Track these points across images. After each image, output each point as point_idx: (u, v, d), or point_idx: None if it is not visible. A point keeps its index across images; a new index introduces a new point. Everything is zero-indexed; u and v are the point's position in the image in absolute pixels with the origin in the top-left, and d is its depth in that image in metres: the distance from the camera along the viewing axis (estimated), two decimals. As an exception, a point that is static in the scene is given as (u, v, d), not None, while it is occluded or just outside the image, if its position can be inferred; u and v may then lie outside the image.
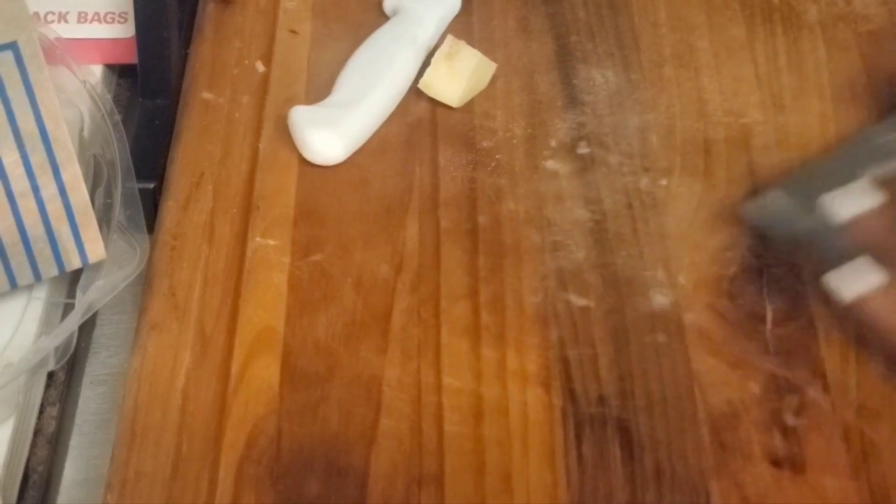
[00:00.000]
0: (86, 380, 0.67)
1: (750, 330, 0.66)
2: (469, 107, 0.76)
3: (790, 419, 0.62)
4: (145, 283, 0.66)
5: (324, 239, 0.69)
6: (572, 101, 0.77)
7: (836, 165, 0.70)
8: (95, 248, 0.65)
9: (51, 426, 0.63)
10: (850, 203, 0.67)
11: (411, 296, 0.67)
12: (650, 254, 0.69)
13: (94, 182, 0.68)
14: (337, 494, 0.59)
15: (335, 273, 0.68)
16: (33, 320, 0.63)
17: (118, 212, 0.66)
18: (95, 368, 0.67)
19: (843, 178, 0.68)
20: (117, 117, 0.69)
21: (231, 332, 0.65)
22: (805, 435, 0.62)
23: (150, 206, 0.70)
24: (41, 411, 0.63)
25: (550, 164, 0.73)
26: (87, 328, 0.67)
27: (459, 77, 0.74)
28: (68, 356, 0.63)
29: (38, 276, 0.64)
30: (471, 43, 0.79)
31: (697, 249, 0.69)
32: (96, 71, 0.74)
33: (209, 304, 0.66)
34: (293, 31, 0.80)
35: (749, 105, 0.77)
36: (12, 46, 0.61)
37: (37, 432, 0.63)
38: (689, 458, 0.60)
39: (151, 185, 0.70)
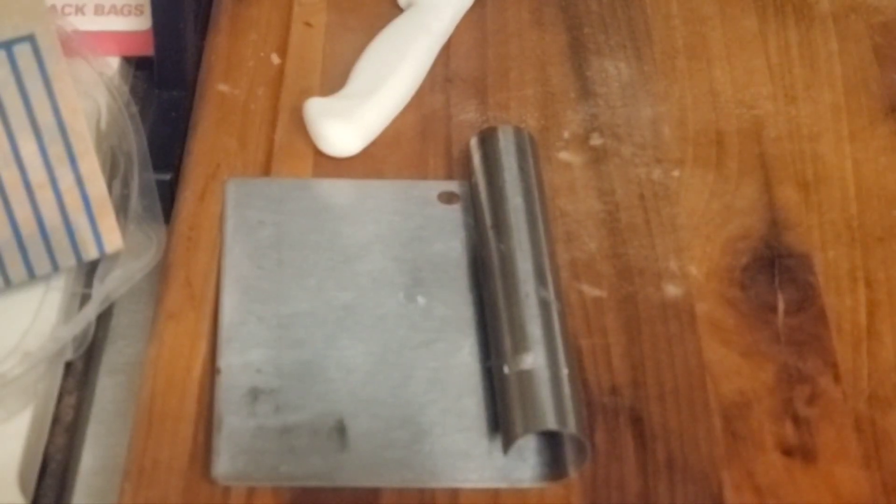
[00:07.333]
0: (103, 369, 0.67)
1: (762, 320, 0.66)
2: (483, 98, 0.76)
3: (802, 409, 0.63)
4: (162, 273, 0.66)
5: (338, 230, 0.70)
6: (585, 92, 0.77)
7: None
8: (113, 239, 0.65)
9: (69, 415, 0.63)
10: None
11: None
12: (662, 244, 0.69)
13: (111, 173, 0.68)
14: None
15: (350, 264, 0.68)
16: (51, 310, 0.64)
17: (135, 203, 0.66)
18: (113, 358, 0.68)
19: None
20: (134, 109, 0.69)
21: (247, 321, 0.65)
22: (817, 424, 0.62)
23: (167, 197, 0.70)
24: (59, 400, 0.63)
25: (563, 155, 0.74)
26: (104, 318, 0.67)
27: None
28: (86, 346, 0.63)
29: (55, 267, 0.64)
30: (483, 35, 0.80)
31: (709, 240, 0.69)
32: (113, 63, 0.74)
33: (225, 294, 0.66)
34: (308, 24, 0.80)
35: (761, 96, 0.77)
36: (30, 39, 0.62)
37: (55, 421, 0.63)
38: (701, 448, 0.61)
39: (168, 177, 0.71)
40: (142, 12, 0.75)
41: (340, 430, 0.60)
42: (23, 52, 0.62)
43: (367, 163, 0.72)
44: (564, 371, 0.60)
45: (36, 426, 0.60)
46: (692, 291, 0.67)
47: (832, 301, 0.67)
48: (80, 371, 0.65)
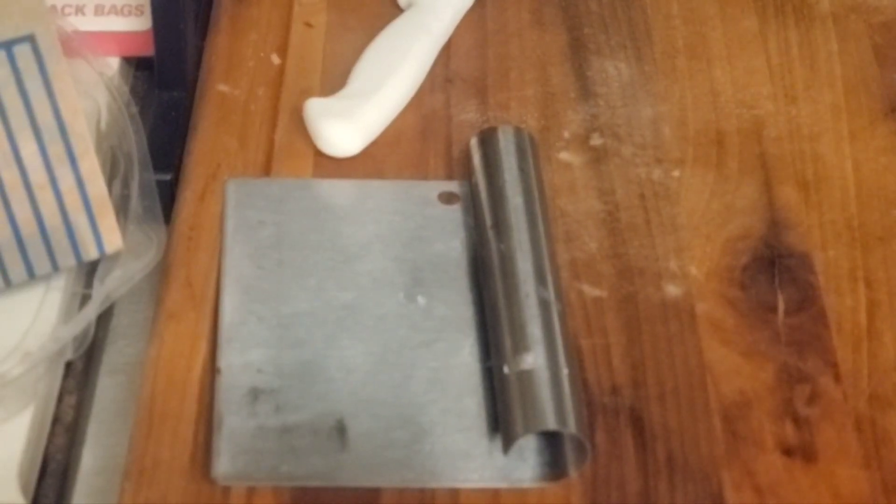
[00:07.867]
0: (103, 369, 0.67)
1: (762, 320, 0.66)
2: (483, 98, 0.76)
3: (802, 408, 0.63)
4: (162, 273, 0.66)
5: (339, 230, 0.70)
6: (585, 92, 0.77)
7: None
8: (113, 239, 0.65)
9: (69, 415, 0.63)
10: None
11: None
12: (662, 244, 0.69)
13: (112, 173, 0.68)
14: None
15: (350, 263, 0.68)
16: (51, 310, 0.64)
17: (135, 203, 0.66)
18: (113, 358, 0.68)
19: None
20: (134, 109, 0.69)
21: (247, 321, 0.65)
22: (817, 424, 0.62)
23: (168, 197, 0.70)
24: (59, 400, 0.63)
25: (564, 155, 0.74)
26: (104, 318, 0.67)
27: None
28: (86, 346, 0.63)
29: (55, 267, 0.64)
30: (483, 35, 0.80)
31: (709, 240, 0.69)
32: (113, 63, 0.74)
33: (225, 294, 0.66)
34: (308, 24, 0.80)
35: (761, 96, 0.77)
36: (30, 39, 0.62)
37: (55, 421, 0.63)
38: (702, 448, 0.61)
39: (168, 177, 0.71)
40: (142, 12, 0.76)
41: (341, 429, 0.60)
42: (23, 52, 0.62)
43: (368, 163, 0.72)
44: (564, 371, 0.60)
45: (36, 426, 0.61)
46: (692, 291, 0.67)
47: (832, 301, 0.67)
48: (80, 371, 0.65)
